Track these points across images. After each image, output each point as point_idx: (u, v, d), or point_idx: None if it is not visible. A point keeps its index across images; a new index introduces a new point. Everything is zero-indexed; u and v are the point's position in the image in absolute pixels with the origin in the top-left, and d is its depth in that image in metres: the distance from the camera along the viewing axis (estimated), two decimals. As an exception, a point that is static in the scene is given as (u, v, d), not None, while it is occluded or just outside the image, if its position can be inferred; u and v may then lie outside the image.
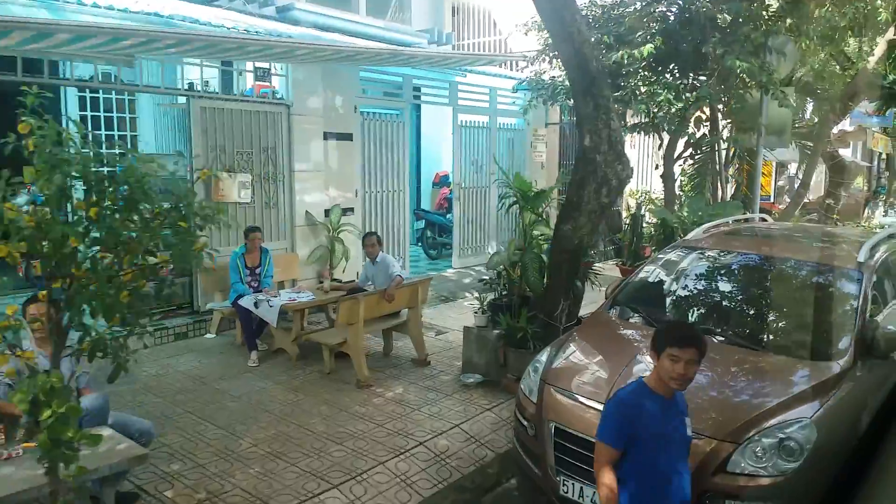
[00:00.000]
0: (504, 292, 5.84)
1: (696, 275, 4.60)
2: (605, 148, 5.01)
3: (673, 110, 7.66)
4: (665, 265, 4.84)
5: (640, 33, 7.90)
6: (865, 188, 22.55)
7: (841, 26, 9.40)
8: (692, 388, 2.71)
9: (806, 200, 22.66)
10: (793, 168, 22.34)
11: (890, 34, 7.56)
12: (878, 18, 9.62)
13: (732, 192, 9.69)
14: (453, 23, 12.81)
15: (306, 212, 7.45)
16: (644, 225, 10.66)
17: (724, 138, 8.20)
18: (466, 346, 5.76)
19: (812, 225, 6.30)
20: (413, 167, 13.10)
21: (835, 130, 18.92)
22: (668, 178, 8.96)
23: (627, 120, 9.06)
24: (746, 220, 5.87)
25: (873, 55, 7.92)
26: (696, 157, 9.09)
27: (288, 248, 7.38)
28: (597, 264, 12.24)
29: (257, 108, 6.97)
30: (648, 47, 7.54)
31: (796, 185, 23.50)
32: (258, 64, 7.05)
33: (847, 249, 4.52)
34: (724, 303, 4.36)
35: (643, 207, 10.75)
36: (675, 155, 9.07)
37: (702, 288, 4.51)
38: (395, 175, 8.68)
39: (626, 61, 7.72)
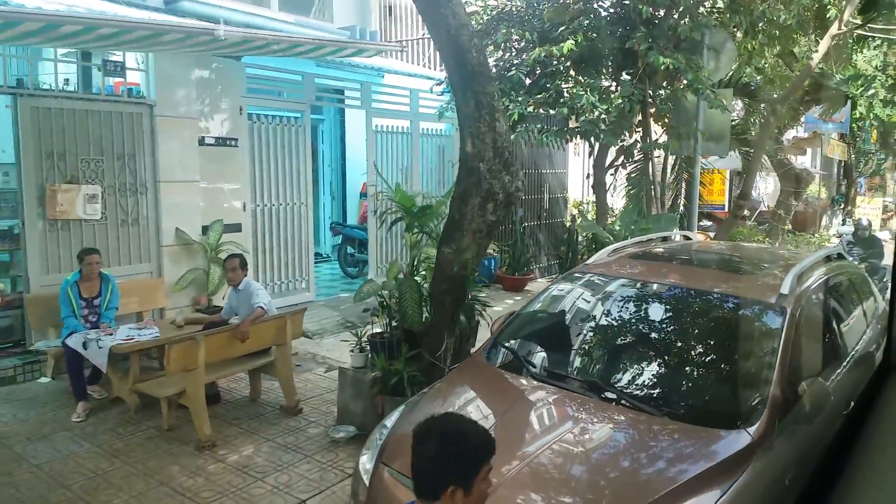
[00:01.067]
0: (390, 326, 5.01)
1: (586, 311, 3.83)
2: (489, 155, 4.22)
3: (597, 114, 6.96)
4: (558, 296, 4.08)
5: (562, 29, 7.21)
6: (825, 196, 22.42)
7: (787, 24, 8.86)
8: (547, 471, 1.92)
9: (763, 209, 22.42)
10: (750, 176, 22.14)
11: (834, 29, 6.99)
12: (828, 16, 9.13)
13: (671, 203, 9.06)
14: (387, 23, 12.03)
15: (177, 229, 6.51)
16: (580, 239, 9.97)
17: (658, 145, 7.54)
18: (341, 392, 4.91)
19: (744, 244, 5.62)
20: (337, 177, 12.26)
21: (788, 137, 18.71)
22: (599, 187, 8.26)
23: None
24: (665, 239, 5.16)
25: (817, 51, 7.34)
26: (629, 165, 8.41)
27: (154, 271, 6.43)
28: (540, 279, 11.58)
29: (109, 108, 6.03)
30: (569, 44, 6.85)
31: (753, 193, 23.34)
32: (113, 57, 6.12)
33: (775, 276, 3.80)
34: (614, 349, 3.59)
35: (578, 220, 10.07)
36: (608, 163, 8.40)
37: (590, 329, 3.74)
38: (295, 186, 7.79)
39: (543, 59, 7.02)
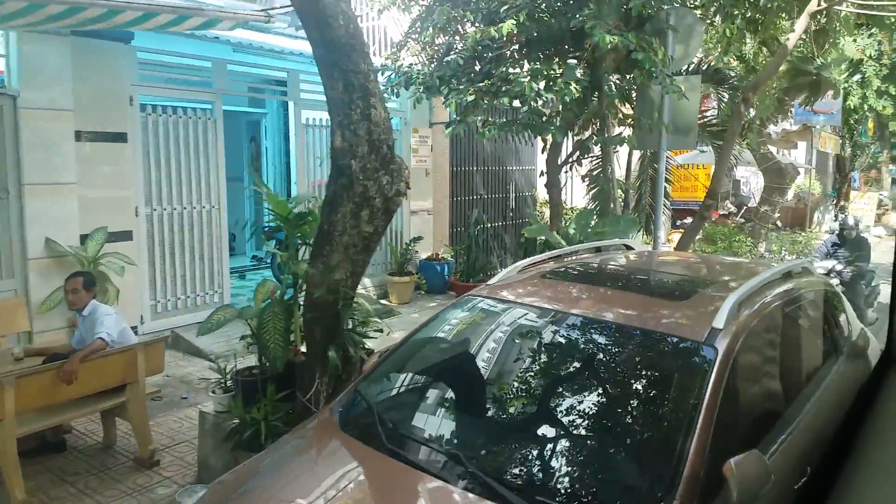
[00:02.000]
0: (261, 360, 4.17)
1: (465, 353, 3.01)
2: (363, 150, 3.40)
3: (541, 103, 6.14)
4: (441, 329, 3.26)
5: (505, 7, 6.38)
6: (818, 191, 21.69)
7: (767, 7, 8.04)
8: None
9: (752, 206, 21.66)
10: (739, 171, 21.39)
11: (813, 5, 6.19)
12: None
13: (636, 202, 8.25)
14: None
15: (46, 239, 5.66)
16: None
17: (615, 139, 6.72)
18: (201, 441, 4.08)
19: (696, 256, 4.78)
20: (281, 175, 11.40)
21: (776, 129, 17.92)
22: (552, 186, 7.44)
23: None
24: (599, 250, 4.34)
25: (793, 31, 6.54)
26: (587, 161, 7.60)
27: (18, 289, 5.59)
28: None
29: (-48, 98, 5.20)
30: (509, 23, 6.01)
31: (743, 189, 22.57)
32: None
33: (715, 302, 2.98)
34: (488, 410, 2.76)
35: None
36: (561, 159, 7.59)
37: (465, 379, 2.92)
38: (204, 187, 6.94)
39: (484, 41, 6.19)
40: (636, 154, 8.51)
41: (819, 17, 7.63)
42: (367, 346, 3.97)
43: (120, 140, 6.15)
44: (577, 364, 2.78)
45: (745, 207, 18.68)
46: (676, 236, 14.54)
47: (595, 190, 8.41)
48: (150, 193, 6.48)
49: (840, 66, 7.12)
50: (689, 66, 8.06)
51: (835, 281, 8.04)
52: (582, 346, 2.84)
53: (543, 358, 2.84)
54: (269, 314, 3.69)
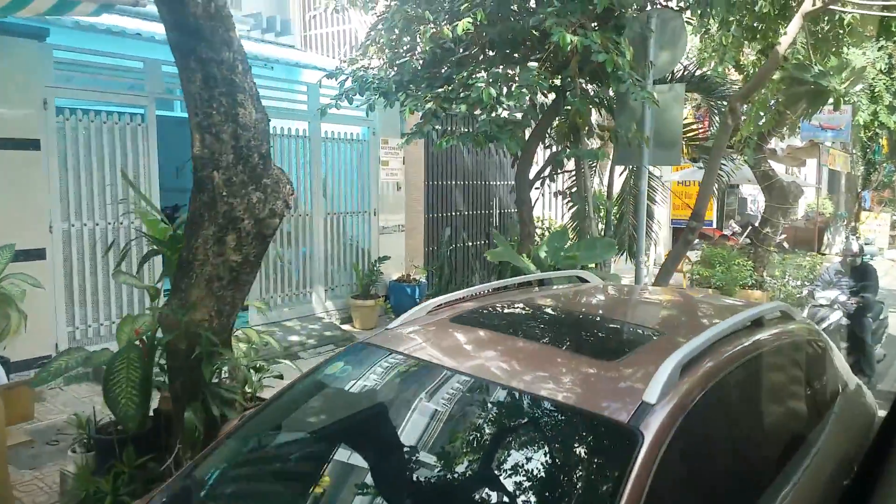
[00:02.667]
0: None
1: (332, 423, 2.34)
2: (228, 160, 2.75)
3: (500, 111, 5.50)
4: (314, 388, 2.59)
5: (464, 5, 5.76)
6: (829, 211, 20.93)
7: (764, 13, 7.37)
8: None
9: (757, 225, 20.88)
10: (747, 189, 20.64)
11: (808, 5, 5.53)
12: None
13: (617, 222, 7.57)
14: (307, 12, 10.67)
15: (-66, 258, 5.04)
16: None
17: (587, 152, 6.05)
18: (56, 508, 3.42)
19: (663, 292, 4.02)
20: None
21: (781, 146, 17.20)
22: (522, 204, 6.76)
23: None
24: (542, 283, 3.65)
25: (786, 33, 5.87)
26: (559, 177, 6.93)
27: None
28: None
29: None
30: (465, 23, 5.39)
31: (751, 207, 21.79)
32: None
33: (659, 361, 2.28)
34: None
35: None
36: (534, 174, 6.92)
37: (332, 461, 2.24)
38: (132, 201, 6.32)
39: (439, 41, 5.58)
40: (620, 169, 7.84)
41: (820, 23, 6.96)
42: (250, 400, 3.29)
43: (31, 147, 5.54)
44: (456, 444, 2.09)
45: (750, 227, 17.91)
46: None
47: (575, 209, 7.74)
48: (67, 207, 5.87)
49: (841, 74, 6.43)
50: (673, 74, 7.41)
51: (836, 314, 7.32)
52: (468, 418, 2.16)
53: (415, 433, 2.16)
54: (121, 361, 3.02)
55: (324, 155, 8.22)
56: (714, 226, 15.28)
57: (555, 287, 3.54)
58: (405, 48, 6.55)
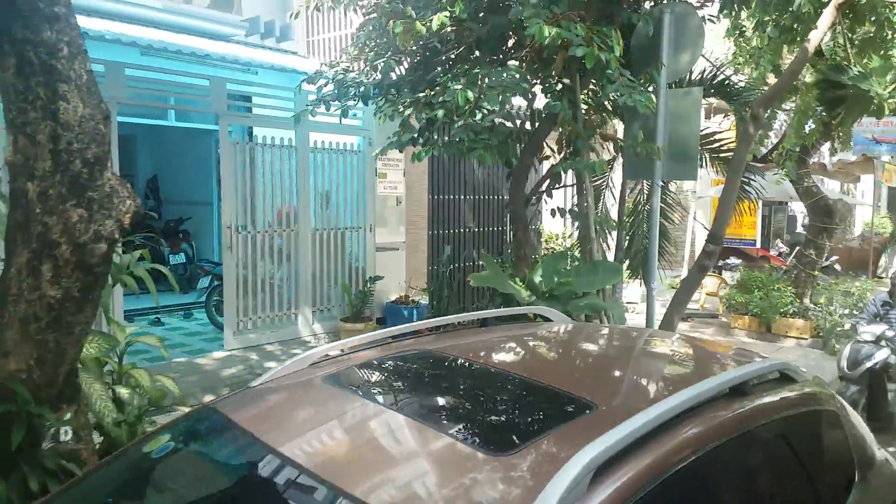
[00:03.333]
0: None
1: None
2: (45, 167, 2.17)
3: (479, 117, 4.84)
4: (151, 460, 1.97)
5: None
6: (887, 232, 19.49)
7: (803, 11, 6.54)
8: None
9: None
10: (797, 206, 19.36)
11: (843, -6, 4.73)
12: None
13: (628, 242, 6.79)
14: (313, 19, 10.23)
15: None
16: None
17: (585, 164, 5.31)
18: None
19: (642, 337, 3.24)
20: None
21: (833, 160, 16.00)
22: (517, 221, 6.07)
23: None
24: (484, 323, 2.95)
25: (815, 27, 5.06)
26: (557, 189, 6.22)
27: None
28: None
29: None
30: (441, 17, 4.77)
31: (800, 226, 20.45)
32: None
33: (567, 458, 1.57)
34: None
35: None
36: (532, 188, 6.23)
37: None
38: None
39: (427, 39, 4.99)
40: (634, 183, 7.08)
41: (866, 21, 6.09)
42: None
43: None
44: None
45: (798, 248, 16.68)
46: (712, 281, 12.85)
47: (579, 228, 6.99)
48: None
49: (885, 76, 5.53)
50: (691, 77, 6.63)
51: (883, 353, 6.38)
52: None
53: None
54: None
55: (312, 166, 7.69)
56: (758, 245, 14.19)
57: (498, 329, 2.86)
58: (386, 48, 5.97)
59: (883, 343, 6.48)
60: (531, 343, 2.61)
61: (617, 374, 2.37)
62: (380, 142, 8.34)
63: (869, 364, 6.41)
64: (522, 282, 5.92)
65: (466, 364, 2.29)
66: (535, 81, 4.97)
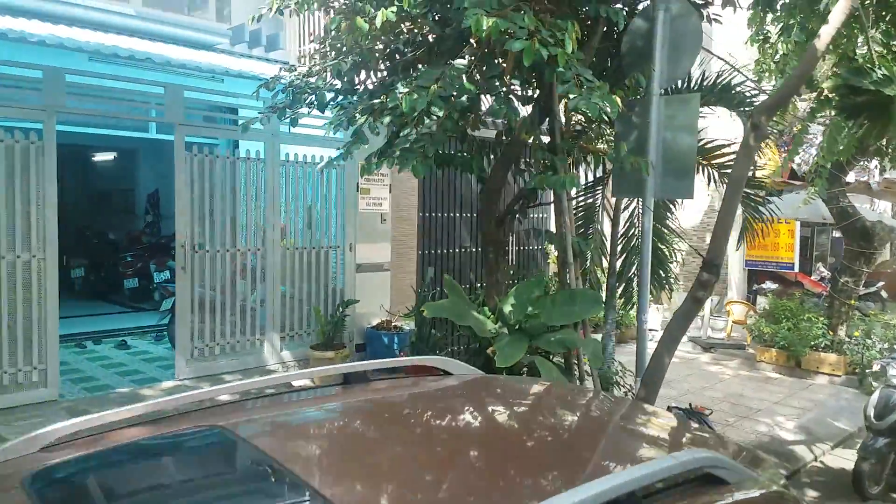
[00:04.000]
0: None
1: None
2: None
3: (428, 123, 4.29)
4: None
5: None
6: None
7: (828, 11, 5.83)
8: None
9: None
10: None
11: (860, -16, 4.06)
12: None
13: (621, 268, 6.10)
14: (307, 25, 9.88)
15: None
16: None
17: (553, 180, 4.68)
18: None
19: (527, 402, 2.52)
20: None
21: (877, 179, 14.95)
22: (490, 243, 5.47)
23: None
24: (372, 376, 2.39)
25: (827, 23, 4.38)
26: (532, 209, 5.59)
27: None
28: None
29: None
30: (386, 13, 4.27)
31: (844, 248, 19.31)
32: None
33: None
34: None
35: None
36: (507, 205, 5.63)
37: None
38: (20, 231, 5.49)
39: (348, 37, 4.50)
40: (627, 202, 6.41)
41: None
42: None
43: None
44: None
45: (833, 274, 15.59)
46: (738, 307, 11.96)
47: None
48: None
49: None
50: (690, 82, 5.98)
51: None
52: None
53: None
54: None
55: (284, 180, 7.24)
56: (796, 269, 13.21)
57: (354, 391, 2.28)
58: (348, 52, 5.48)
59: (917, 390, 5.68)
60: (366, 415, 2.03)
61: (446, 467, 1.74)
62: (363, 156, 7.90)
63: (901, 413, 5.60)
64: (493, 312, 5.32)
65: (247, 450, 1.71)
66: (505, 86, 4.40)
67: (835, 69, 5.19)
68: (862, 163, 15.92)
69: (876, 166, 15.73)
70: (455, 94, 3.99)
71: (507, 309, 5.17)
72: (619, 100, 3.56)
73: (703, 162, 6.24)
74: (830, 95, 5.33)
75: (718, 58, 6.60)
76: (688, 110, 5.25)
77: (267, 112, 5.43)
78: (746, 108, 5.94)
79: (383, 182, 8.11)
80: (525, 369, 4.89)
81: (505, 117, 3.93)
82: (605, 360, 6.17)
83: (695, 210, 12.92)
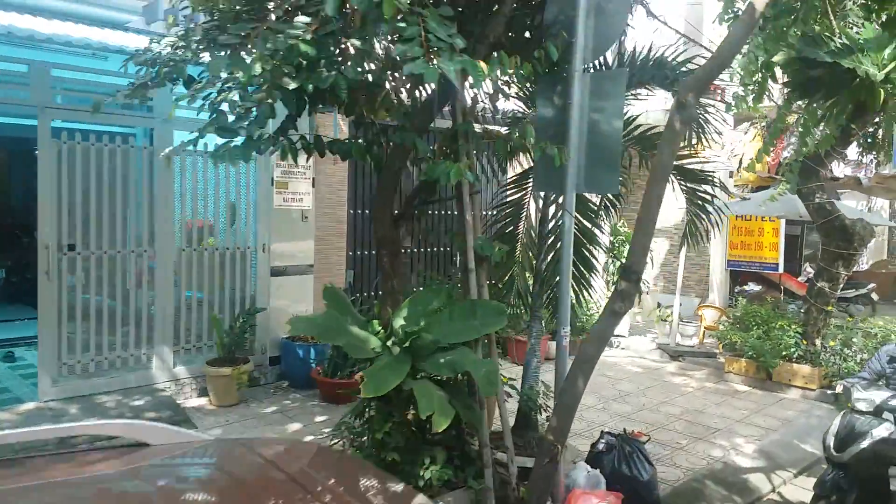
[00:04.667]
0: None
1: None
2: None
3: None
4: None
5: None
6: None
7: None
8: None
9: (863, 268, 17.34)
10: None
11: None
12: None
13: (548, 272, 5.36)
14: None
15: None
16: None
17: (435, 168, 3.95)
18: None
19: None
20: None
21: (868, 175, 14.22)
22: (384, 245, 4.73)
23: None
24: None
25: (818, 3, 3.63)
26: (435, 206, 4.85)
27: None
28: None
29: None
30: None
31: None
32: None
33: None
34: None
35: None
36: (406, 201, 4.89)
37: None
38: None
39: None
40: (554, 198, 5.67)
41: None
42: None
43: None
44: None
45: (809, 278, 14.82)
46: (710, 312, 11.22)
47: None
48: None
49: (882, 50, 4.02)
50: (621, 57, 5.25)
51: (885, 428, 4.88)
52: None
53: None
54: None
55: (178, 173, 6.50)
56: (780, 269, 12.48)
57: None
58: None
59: (885, 415, 4.97)
60: None
61: None
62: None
63: (864, 444, 4.88)
64: (386, 328, 4.58)
65: None
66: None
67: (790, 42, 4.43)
68: (859, 158, 15.21)
69: (872, 160, 14.99)
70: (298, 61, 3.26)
71: (398, 323, 4.44)
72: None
73: (644, 152, 5.50)
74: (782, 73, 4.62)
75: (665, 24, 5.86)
76: (614, 89, 4.53)
77: (126, 91, 4.68)
78: (676, 85, 5.20)
79: (305, 175, 7.37)
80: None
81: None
82: (530, 380, 5.45)
83: (674, 207, 12.09)
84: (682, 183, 5.48)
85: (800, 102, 5.13)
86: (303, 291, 7.44)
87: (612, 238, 11.81)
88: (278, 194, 7.14)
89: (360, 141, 4.71)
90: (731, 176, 13.73)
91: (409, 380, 4.02)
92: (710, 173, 5.41)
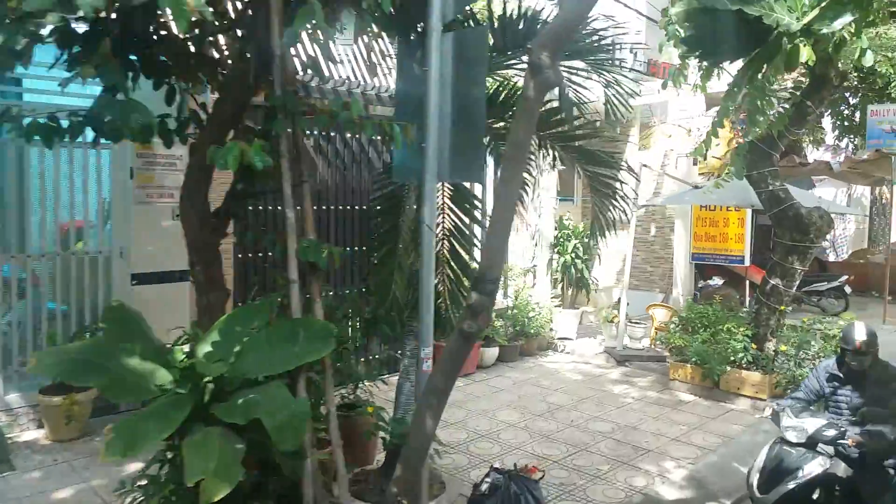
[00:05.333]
0: None
1: None
2: None
3: None
4: None
5: None
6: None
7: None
8: None
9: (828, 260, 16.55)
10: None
11: None
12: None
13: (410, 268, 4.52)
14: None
15: None
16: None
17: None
18: None
19: None
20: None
21: (838, 159, 13.50)
22: (198, 251, 3.86)
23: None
24: None
25: None
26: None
27: None
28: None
29: None
30: None
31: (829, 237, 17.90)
32: None
33: None
34: None
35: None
36: (226, 195, 4.03)
37: None
38: None
39: None
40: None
41: None
42: None
43: None
44: None
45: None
46: (660, 312, 10.43)
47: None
48: None
49: (829, 18, 3.21)
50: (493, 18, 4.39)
51: (818, 463, 4.12)
52: None
53: None
54: None
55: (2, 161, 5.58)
56: (746, 262, 11.71)
57: None
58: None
59: (820, 448, 4.20)
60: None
61: None
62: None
63: (791, 485, 4.10)
64: (190, 355, 3.70)
65: None
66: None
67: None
68: (835, 143, 14.47)
69: (848, 145, 14.29)
70: None
71: (203, 350, 3.56)
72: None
73: (541, 133, 4.66)
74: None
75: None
76: (475, 53, 3.69)
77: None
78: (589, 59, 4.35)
79: (175, 166, 6.46)
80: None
81: None
82: (402, 408, 4.61)
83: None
84: (584, 167, 4.64)
85: (703, 63, 4.28)
86: (176, 303, 6.51)
87: (557, 233, 11.03)
88: (140, 189, 6.23)
89: (170, 118, 3.83)
90: (695, 164, 12.91)
91: (199, 427, 3.16)
92: (615, 153, 4.58)
